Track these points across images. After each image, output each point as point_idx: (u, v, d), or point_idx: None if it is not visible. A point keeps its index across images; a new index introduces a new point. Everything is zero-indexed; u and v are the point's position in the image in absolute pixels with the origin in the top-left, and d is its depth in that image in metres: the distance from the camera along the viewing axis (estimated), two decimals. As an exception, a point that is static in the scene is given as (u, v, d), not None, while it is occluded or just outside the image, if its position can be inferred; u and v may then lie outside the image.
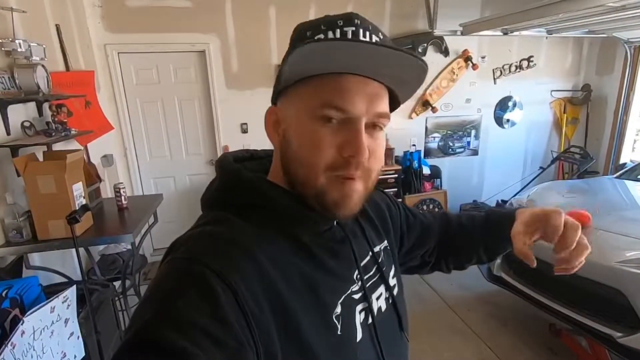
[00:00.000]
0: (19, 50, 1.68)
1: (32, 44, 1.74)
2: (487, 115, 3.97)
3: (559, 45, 3.98)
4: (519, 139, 4.18)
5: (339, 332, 0.48)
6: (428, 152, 3.90)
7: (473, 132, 3.98)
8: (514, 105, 4.02)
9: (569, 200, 2.46)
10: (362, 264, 0.56)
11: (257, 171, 0.53)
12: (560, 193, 2.60)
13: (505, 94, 3.97)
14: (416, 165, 3.59)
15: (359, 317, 0.52)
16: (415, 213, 0.75)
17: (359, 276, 0.54)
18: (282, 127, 0.49)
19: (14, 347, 1.08)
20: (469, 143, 4.00)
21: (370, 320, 0.53)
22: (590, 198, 2.51)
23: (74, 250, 2.25)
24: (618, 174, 2.90)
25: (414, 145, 3.80)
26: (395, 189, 3.43)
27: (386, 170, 3.37)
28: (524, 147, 4.23)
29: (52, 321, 1.27)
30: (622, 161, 3.87)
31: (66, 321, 1.34)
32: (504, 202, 3.26)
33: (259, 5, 3.12)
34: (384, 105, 0.48)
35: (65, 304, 1.33)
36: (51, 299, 1.26)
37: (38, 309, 1.19)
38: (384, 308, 0.57)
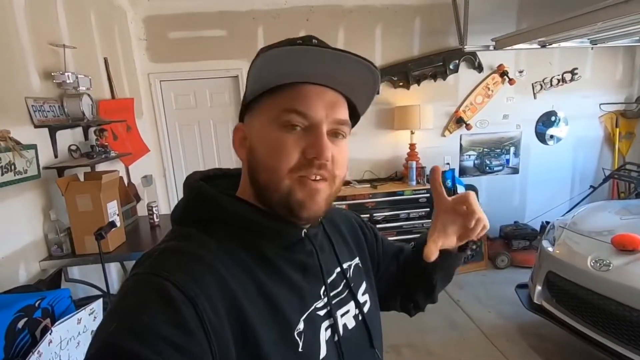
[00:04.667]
0: (68, 81, 1.87)
1: (79, 76, 1.93)
2: (527, 131, 3.76)
3: (607, 56, 3.72)
4: (566, 156, 3.90)
5: (300, 349, 0.47)
6: (463, 171, 3.75)
7: (512, 150, 3.78)
8: (558, 120, 3.78)
9: (626, 222, 2.23)
10: (329, 279, 0.56)
11: (228, 189, 0.55)
12: (613, 214, 2.37)
13: (548, 108, 3.74)
14: (450, 184, 3.46)
15: (325, 335, 0.51)
16: (387, 240, 0.76)
17: (325, 292, 0.54)
18: (248, 141, 0.52)
19: (40, 356, 1.16)
20: (508, 161, 3.79)
21: (336, 338, 0.52)
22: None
23: (111, 264, 2.41)
24: (682, 193, 2.60)
25: (447, 163, 3.67)
26: (428, 209, 3.31)
27: (417, 190, 3.27)
28: (571, 165, 3.93)
29: (79, 332, 1.34)
30: (688, 179, 3.46)
31: (92, 333, 1.42)
32: (548, 223, 3.02)
33: (288, 30, 3.24)
34: (343, 113, 0.51)
35: (92, 316, 1.41)
36: (78, 310, 1.34)
37: (66, 320, 1.27)
38: (351, 325, 0.56)
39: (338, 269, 0.58)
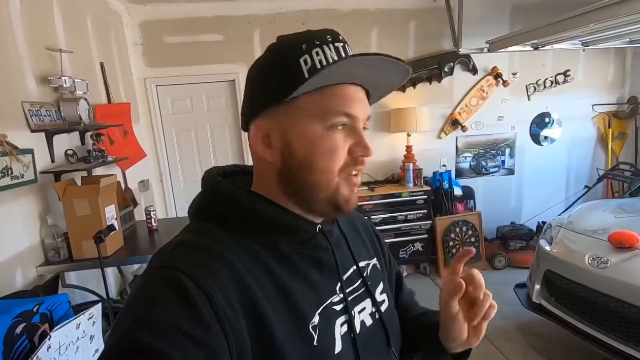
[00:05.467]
0: (65, 86, 1.86)
1: (76, 80, 1.92)
2: (522, 132, 3.80)
3: (599, 57, 3.78)
4: (560, 157, 3.94)
5: (315, 343, 0.47)
6: (459, 172, 3.77)
7: (507, 151, 3.81)
8: (552, 121, 3.83)
9: (620, 220, 2.26)
10: (345, 275, 0.56)
11: (246, 185, 0.55)
12: (608, 212, 2.39)
13: (541, 110, 3.79)
14: (447, 185, 3.48)
15: (340, 330, 0.51)
16: (395, 264, 0.75)
17: (341, 287, 0.54)
18: (277, 139, 0.50)
19: (39, 361, 1.14)
20: (503, 162, 3.83)
21: (352, 334, 0.52)
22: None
23: (107, 269, 2.38)
24: (675, 191, 2.64)
25: (444, 165, 3.70)
26: (425, 211, 3.32)
27: (414, 192, 3.29)
28: (565, 165, 3.97)
29: (78, 337, 1.33)
30: (680, 178, 3.50)
31: (91, 338, 1.40)
32: (544, 223, 3.05)
33: (285, 34, 3.25)
34: (369, 109, 0.53)
35: (90, 321, 1.39)
36: (77, 315, 1.32)
37: (64, 325, 1.26)
38: (368, 322, 0.56)
39: (354, 266, 0.58)
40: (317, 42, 0.47)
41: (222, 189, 0.51)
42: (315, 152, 0.48)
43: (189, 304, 0.39)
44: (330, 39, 0.48)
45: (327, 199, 0.50)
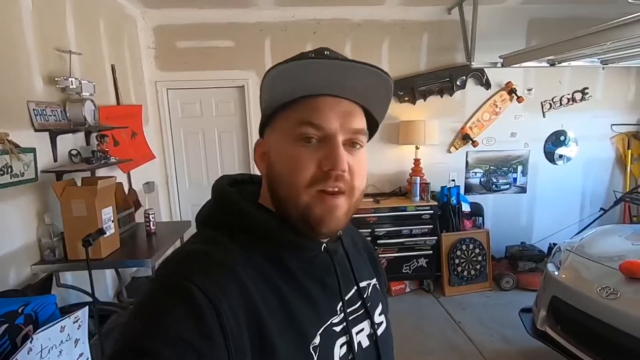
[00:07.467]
0: (71, 87, 1.88)
1: (83, 82, 1.95)
2: (535, 150, 3.69)
3: (619, 76, 3.65)
4: (575, 177, 3.80)
5: None
6: (469, 188, 3.68)
7: (520, 168, 3.70)
8: (568, 140, 3.71)
9: (638, 247, 2.14)
10: (347, 296, 0.55)
11: (254, 194, 0.56)
12: (623, 238, 2.27)
13: (557, 128, 3.67)
14: (454, 201, 3.39)
15: (339, 351, 0.51)
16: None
17: (342, 307, 0.53)
18: (267, 156, 0.52)
19: (18, 364, 1.13)
20: (515, 179, 3.72)
21: (350, 356, 0.52)
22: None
23: (106, 271, 2.38)
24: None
25: (452, 180, 3.61)
26: (431, 226, 3.24)
27: (420, 206, 3.21)
28: (581, 186, 3.83)
29: (62, 340, 1.31)
30: None
31: (76, 342, 1.38)
32: (555, 245, 2.93)
33: (296, 42, 3.25)
34: (358, 122, 0.50)
35: (76, 324, 1.38)
36: (62, 318, 1.31)
37: (48, 327, 1.24)
38: (365, 344, 0.56)
39: (355, 286, 0.58)
40: (288, 61, 0.47)
41: (231, 200, 0.52)
42: (283, 165, 0.49)
43: (197, 316, 0.40)
44: (312, 56, 0.47)
45: (298, 218, 0.49)
